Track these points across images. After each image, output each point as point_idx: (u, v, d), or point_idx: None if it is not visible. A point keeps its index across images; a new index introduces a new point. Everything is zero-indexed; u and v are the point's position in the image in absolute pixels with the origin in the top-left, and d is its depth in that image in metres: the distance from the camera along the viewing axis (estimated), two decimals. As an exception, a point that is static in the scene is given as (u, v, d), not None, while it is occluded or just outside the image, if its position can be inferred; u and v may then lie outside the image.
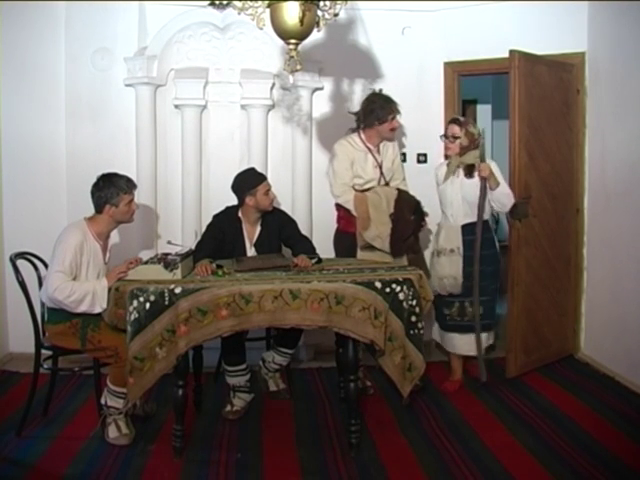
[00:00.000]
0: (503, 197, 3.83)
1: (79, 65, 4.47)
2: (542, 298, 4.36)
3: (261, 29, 3.29)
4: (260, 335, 4.14)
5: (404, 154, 4.73)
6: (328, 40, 4.49)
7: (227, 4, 4.32)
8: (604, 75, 4.33)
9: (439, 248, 3.96)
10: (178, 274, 3.27)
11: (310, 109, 4.66)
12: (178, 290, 3.03)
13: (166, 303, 3.01)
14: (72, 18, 4.45)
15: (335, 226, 4.17)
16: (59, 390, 3.84)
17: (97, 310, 3.24)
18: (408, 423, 3.52)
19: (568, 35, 4.51)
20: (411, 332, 3.26)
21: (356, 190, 3.97)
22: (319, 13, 3.23)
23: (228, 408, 3.62)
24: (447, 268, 3.88)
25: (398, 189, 3.99)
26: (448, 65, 4.85)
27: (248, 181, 3.73)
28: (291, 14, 3.08)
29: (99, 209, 3.40)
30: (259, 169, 4.47)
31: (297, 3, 3.05)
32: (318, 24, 3.26)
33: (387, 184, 4.04)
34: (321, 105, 4.72)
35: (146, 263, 3.40)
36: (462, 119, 4.01)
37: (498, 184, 3.80)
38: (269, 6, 3.15)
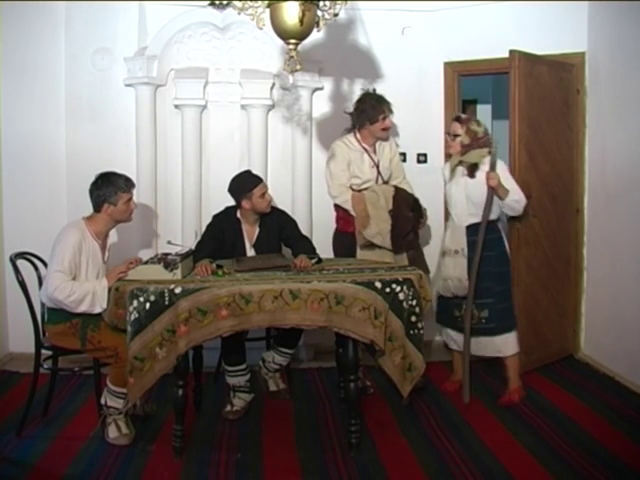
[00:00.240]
0: (513, 203, 3.74)
1: (79, 65, 4.47)
2: (542, 298, 4.36)
3: (261, 29, 3.30)
4: (260, 335, 4.14)
5: (404, 154, 4.72)
6: (328, 40, 4.49)
7: (227, 4, 4.32)
8: (604, 75, 4.33)
9: (444, 249, 3.90)
10: (178, 274, 3.27)
11: (310, 109, 4.66)
12: (178, 290, 3.03)
13: (166, 303, 3.01)
14: (72, 18, 4.46)
15: (335, 225, 4.18)
16: (59, 390, 3.84)
17: (97, 310, 3.24)
18: (408, 423, 3.52)
19: (568, 35, 4.51)
20: (411, 332, 3.26)
21: (354, 190, 3.97)
22: (319, 13, 3.23)
23: (228, 408, 3.62)
24: (451, 269, 3.81)
25: (395, 186, 4.00)
26: (448, 65, 4.85)
27: (243, 185, 3.72)
28: (291, 14, 3.08)
29: (97, 208, 3.40)
30: (259, 169, 4.49)
31: (297, 3, 3.05)
32: (318, 24, 3.26)
33: (386, 183, 4.04)
34: (321, 105, 4.72)
35: (146, 263, 3.40)
36: (464, 116, 3.92)
37: (507, 192, 3.69)
38: (269, 6, 3.16)
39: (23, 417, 3.37)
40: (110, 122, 4.52)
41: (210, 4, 4.42)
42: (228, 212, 3.83)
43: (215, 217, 3.87)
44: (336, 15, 3.30)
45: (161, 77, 4.50)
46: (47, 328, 3.40)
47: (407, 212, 3.91)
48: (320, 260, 3.64)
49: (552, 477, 2.90)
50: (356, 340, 3.16)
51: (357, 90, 4.71)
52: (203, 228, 3.95)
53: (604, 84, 4.34)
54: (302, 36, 3.19)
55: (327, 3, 3.24)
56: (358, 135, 4.02)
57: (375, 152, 4.04)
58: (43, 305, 3.41)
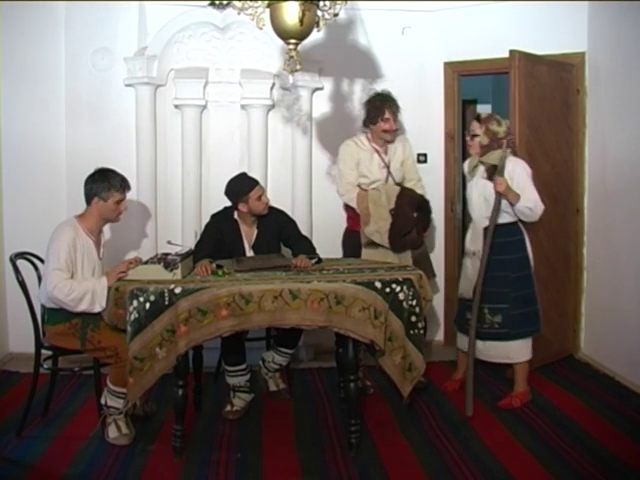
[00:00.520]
0: (525, 210, 3.60)
1: (79, 65, 4.47)
2: (542, 298, 4.33)
3: (261, 29, 3.30)
4: (260, 335, 4.14)
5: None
6: (328, 40, 4.49)
7: (227, 4, 4.32)
8: (604, 75, 4.33)
9: (465, 249, 3.86)
10: (178, 274, 3.27)
11: (310, 109, 4.66)
12: (178, 290, 3.03)
13: (166, 303, 3.01)
14: (72, 18, 4.46)
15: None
16: (59, 390, 3.84)
17: (97, 309, 3.24)
18: (408, 423, 3.52)
19: (568, 35, 4.51)
20: (411, 332, 3.26)
21: (362, 189, 3.99)
22: (319, 13, 3.24)
23: (228, 408, 3.62)
24: (469, 270, 3.75)
25: (402, 186, 4.00)
26: (448, 65, 4.85)
27: (240, 188, 3.72)
28: (291, 14, 3.08)
29: (88, 200, 3.40)
30: (259, 169, 4.50)
31: (297, 3, 3.06)
32: (318, 24, 3.26)
33: (398, 185, 4.04)
34: (321, 105, 4.72)
35: (146, 263, 3.40)
36: (484, 116, 3.75)
37: (518, 197, 3.56)
38: (269, 6, 3.16)
39: (23, 417, 3.37)
40: (110, 122, 4.52)
41: (210, 4, 4.42)
42: (226, 213, 3.83)
43: (213, 217, 3.87)
44: (336, 15, 3.30)
45: (161, 77, 4.50)
46: (47, 329, 3.39)
47: (410, 212, 3.90)
48: (320, 260, 3.64)
49: (552, 477, 2.90)
50: (356, 340, 3.16)
51: (357, 90, 4.73)
52: (203, 228, 3.95)
53: (604, 84, 4.34)
54: (302, 36, 3.19)
55: (327, 3, 3.24)
56: (369, 135, 4.04)
57: (386, 153, 4.04)
58: (43, 305, 3.41)
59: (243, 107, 4.59)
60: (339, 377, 3.81)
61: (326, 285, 3.11)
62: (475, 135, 3.71)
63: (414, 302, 3.25)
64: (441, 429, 3.43)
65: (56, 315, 3.31)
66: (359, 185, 4.01)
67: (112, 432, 3.26)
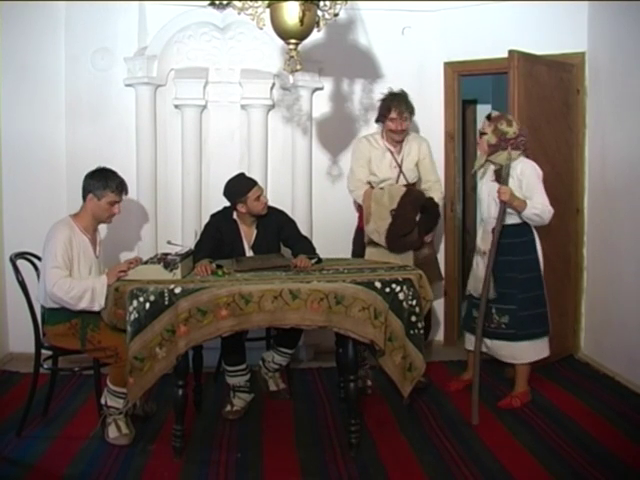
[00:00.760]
0: (533, 216, 3.56)
1: (79, 65, 4.47)
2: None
3: (261, 29, 3.30)
4: (260, 335, 4.14)
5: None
6: (328, 40, 4.49)
7: (227, 4, 4.32)
8: (604, 75, 4.33)
9: (476, 248, 3.86)
10: (178, 274, 3.27)
11: (310, 109, 4.66)
12: (178, 290, 3.03)
13: (166, 303, 3.01)
14: (72, 18, 4.46)
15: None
16: (59, 390, 3.84)
17: (96, 308, 3.23)
18: (408, 423, 3.52)
19: (568, 35, 4.51)
20: (411, 332, 3.26)
21: (372, 187, 4.02)
22: (319, 13, 3.24)
23: (228, 408, 3.62)
24: (479, 269, 3.74)
25: (408, 187, 4.00)
26: (448, 65, 4.85)
27: (237, 189, 3.72)
28: (291, 14, 3.08)
29: (84, 196, 3.41)
30: (259, 169, 4.50)
31: (297, 3, 3.05)
32: (318, 24, 3.26)
33: (411, 185, 4.04)
34: (321, 105, 4.72)
35: (146, 263, 3.40)
36: (495, 114, 3.69)
37: (524, 204, 3.52)
38: (269, 6, 3.16)
39: (23, 417, 3.37)
40: (110, 122, 4.52)
41: (210, 4, 4.42)
42: (225, 213, 3.83)
43: (212, 217, 3.87)
44: (336, 15, 3.30)
45: (161, 77, 4.50)
46: (47, 329, 3.39)
47: (411, 214, 3.90)
48: (320, 260, 3.64)
49: (552, 477, 2.90)
50: (356, 340, 3.16)
51: (357, 90, 4.74)
52: (203, 228, 3.94)
53: (604, 84, 4.34)
54: (302, 36, 3.19)
55: (327, 3, 3.24)
56: (383, 133, 4.06)
57: (400, 152, 4.04)
58: (43, 306, 3.40)
59: (243, 107, 4.59)
60: (339, 377, 3.81)
61: (326, 285, 3.11)
62: (484, 133, 3.68)
63: (414, 302, 3.25)
64: (441, 429, 3.43)
65: (56, 315, 3.30)
66: (370, 183, 4.04)
67: (112, 432, 3.26)
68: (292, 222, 3.91)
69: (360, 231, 4.20)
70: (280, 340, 3.86)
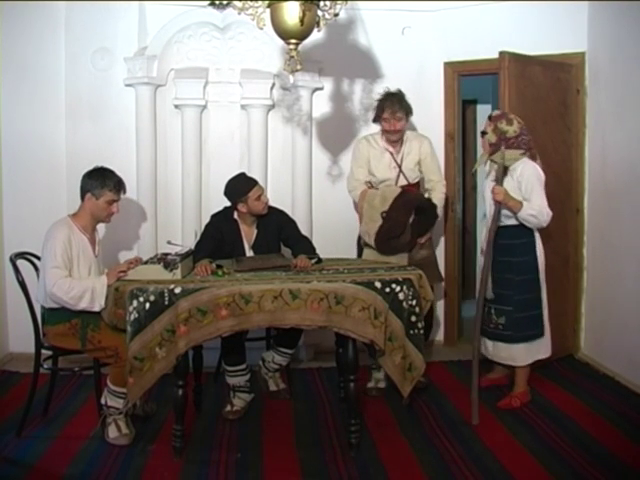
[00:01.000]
0: (529, 217, 3.52)
1: (79, 65, 4.47)
2: (542, 298, 4.35)
3: (261, 29, 3.30)
4: (260, 335, 4.14)
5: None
6: (328, 40, 4.49)
7: (227, 4, 4.32)
8: (604, 75, 4.33)
9: (481, 248, 3.85)
10: (178, 274, 3.27)
11: (310, 109, 4.66)
12: (178, 290, 3.03)
13: (166, 303, 3.01)
14: (72, 18, 4.46)
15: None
16: (59, 390, 3.83)
17: (96, 308, 3.23)
18: (408, 423, 3.52)
19: (568, 35, 4.51)
20: (411, 332, 3.26)
21: (373, 187, 4.03)
22: (319, 13, 3.24)
23: (228, 408, 3.62)
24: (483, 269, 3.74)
25: (403, 188, 3.99)
26: (448, 65, 4.85)
27: (239, 188, 3.72)
28: (291, 14, 3.09)
29: (82, 196, 3.41)
30: (259, 169, 4.50)
31: (297, 3, 3.06)
32: (318, 24, 3.26)
33: (412, 185, 4.03)
34: (321, 105, 4.72)
35: (146, 263, 3.40)
36: (496, 113, 3.69)
37: (520, 205, 3.51)
38: (269, 6, 3.16)
39: (23, 417, 3.37)
40: (110, 122, 4.52)
41: (210, 4, 4.42)
42: (226, 213, 3.83)
43: (213, 217, 3.87)
44: (336, 15, 3.30)
45: (161, 77, 4.50)
46: (47, 329, 3.38)
47: (401, 216, 3.86)
48: (320, 260, 3.64)
49: (552, 477, 2.90)
50: (356, 340, 3.16)
51: (357, 90, 4.74)
52: (203, 228, 3.95)
53: (604, 84, 4.34)
54: (302, 36, 3.20)
55: (327, 3, 3.24)
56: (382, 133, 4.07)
57: (399, 152, 4.03)
58: (43, 306, 3.40)
59: (243, 107, 4.59)
60: (339, 377, 3.81)
61: (326, 285, 3.11)
62: (485, 132, 3.68)
63: (414, 302, 3.25)
64: (441, 429, 3.43)
65: (56, 315, 3.30)
66: (371, 183, 4.03)
67: (112, 432, 3.26)
68: (292, 222, 3.91)
69: None
70: (280, 340, 3.86)
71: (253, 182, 3.77)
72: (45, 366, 3.45)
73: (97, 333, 3.27)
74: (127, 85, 4.48)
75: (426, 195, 4.11)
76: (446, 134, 4.91)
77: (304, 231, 4.05)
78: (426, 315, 3.61)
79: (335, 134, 4.71)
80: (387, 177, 4.04)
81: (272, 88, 4.57)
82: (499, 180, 3.58)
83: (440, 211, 4.11)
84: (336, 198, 4.66)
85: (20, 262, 3.43)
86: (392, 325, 3.18)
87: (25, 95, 4.50)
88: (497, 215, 3.60)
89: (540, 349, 3.77)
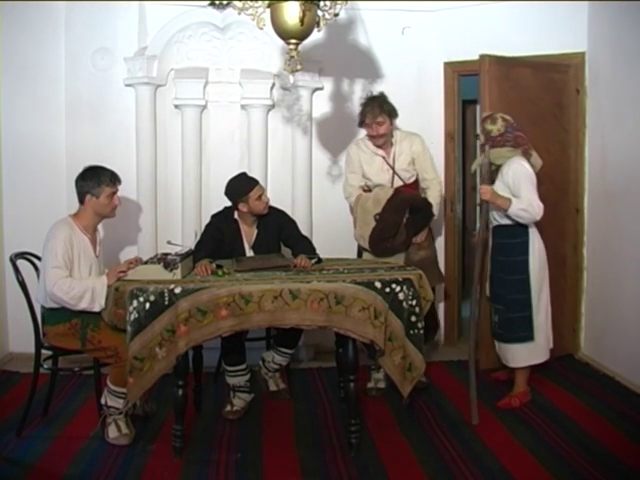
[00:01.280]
0: (520, 212, 3.50)
1: (79, 65, 4.47)
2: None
3: (261, 29, 3.30)
4: (260, 335, 4.14)
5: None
6: (328, 40, 4.50)
7: (227, 4, 4.32)
8: (604, 75, 4.33)
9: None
10: (178, 274, 3.27)
11: (310, 109, 4.66)
12: (178, 290, 3.03)
13: (166, 303, 3.01)
14: (72, 18, 4.46)
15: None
16: (59, 390, 3.84)
17: (96, 308, 3.24)
18: (408, 423, 3.52)
19: (568, 35, 4.51)
20: (411, 332, 3.25)
21: (366, 191, 4.04)
22: (319, 13, 3.23)
23: (228, 408, 3.62)
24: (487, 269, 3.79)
25: (396, 189, 3.98)
26: (448, 65, 4.85)
27: (239, 188, 3.72)
28: (291, 14, 3.08)
29: (81, 199, 3.41)
30: (259, 169, 4.50)
31: (297, 3, 3.06)
32: (318, 24, 3.26)
33: (409, 186, 4.03)
34: (321, 105, 4.72)
35: (146, 263, 3.40)
36: (484, 115, 3.73)
37: (509, 202, 3.49)
38: (269, 6, 3.16)
39: (23, 417, 3.37)
40: (110, 122, 4.52)
41: (210, 4, 4.42)
42: (226, 213, 3.83)
43: (213, 217, 3.87)
44: (336, 15, 3.30)
45: (161, 77, 4.50)
46: (47, 329, 3.38)
47: (393, 216, 3.86)
48: (320, 260, 3.64)
49: (552, 477, 2.90)
50: (356, 340, 3.16)
51: (357, 90, 4.74)
52: (203, 228, 3.95)
53: (604, 84, 4.34)
54: (302, 36, 3.19)
55: (327, 3, 3.24)
56: None
57: (390, 154, 4.02)
58: (42, 306, 3.40)
59: (243, 107, 4.59)
60: (339, 377, 3.81)
61: (326, 285, 3.11)
62: (477, 135, 3.75)
63: (414, 302, 3.25)
64: (441, 429, 3.43)
65: (56, 315, 3.30)
66: (368, 187, 4.03)
67: (112, 432, 3.26)
68: (292, 222, 3.91)
69: None
70: (280, 340, 3.86)
71: (254, 182, 3.77)
72: (45, 366, 3.45)
73: (97, 333, 3.27)
74: (127, 85, 4.48)
75: (423, 195, 4.10)
76: (446, 134, 4.91)
77: (304, 231, 4.05)
78: (429, 316, 3.66)
79: (335, 134, 4.71)
80: (381, 180, 4.01)
81: (272, 88, 4.57)
82: (485, 179, 3.60)
83: (437, 209, 4.10)
84: (336, 198, 4.65)
85: (20, 262, 3.43)
86: (392, 325, 3.18)
87: (25, 95, 4.50)
88: (486, 214, 3.61)
89: (536, 353, 3.74)
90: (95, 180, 3.38)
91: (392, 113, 3.95)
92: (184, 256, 3.45)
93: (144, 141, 4.48)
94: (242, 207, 3.72)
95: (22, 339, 4.22)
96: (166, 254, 3.50)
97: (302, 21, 3.08)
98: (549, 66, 4.42)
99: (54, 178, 4.51)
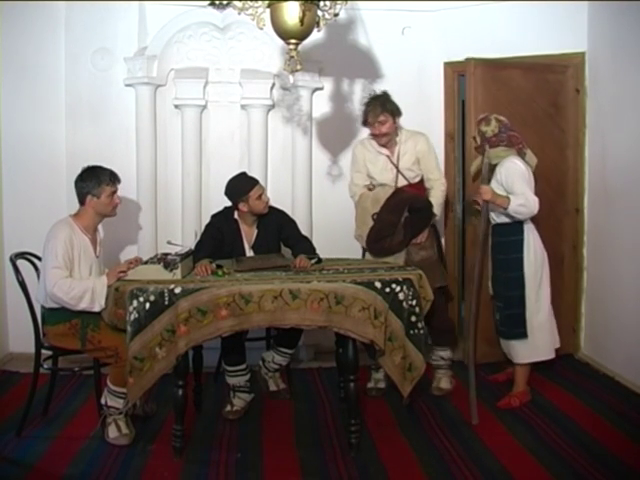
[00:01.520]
0: (519, 208, 3.53)
1: (79, 65, 4.47)
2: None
3: (261, 29, 3.30)
4: (260, 335, 4.14)
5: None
6: (328, 40, 4.49)
7: (227, 4, 4.32)
8: (604, 75, 4.33)
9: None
10: (178, 274, 3.27)
11: (310, 109, 4.66)
12: (178, 290, 3.03)
13: (166, 303, 3.01)
14: (72, 18, 4.45)
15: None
16: (59, 390, 3.84)
17: (96, 308, 3.24)
18: (408, 423, 3.52)
19: (568, 35, 4.51)
20: (411, 332, 3.26)
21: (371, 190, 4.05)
22: (319, 13, 3.23)
23: (228, 408, 3.62)
24: (489, 268, 3.81)
25: (397, 189, 3.98)
26: (448, 65, 4.85)
27: (240, 188, 3.72)
28: (291, 14, 3.08)
29: (81, 200, 3.41)
30: (259, 169, 4.50)
31: (297, 3, 3.05)
32: (318, 24, 3.26)
33: (413, 185, 4.03)
34: (321, 105, 4.72)
35: (146, 263, 3.41)
36: (480, 116, 3.76)
37: (508, 200, 3.52)
38: (269, 6, 3.15)
39: (23, 417, 3.37)
40: (110, 122, 4.52)
41: (210, 4, 4.42)
42: (226, 213, 3.83)
43: (213, 217, 3.87)
44: (336, 15, 3.29)
45: (161, 77, 4.50)
46: (47, 329, 3.39)
47: (393, 216, 3.86)
48: (320, 260, 3.64)
49: (552, 477, 2.90)
50: (356, 340, 3.16)
51: (357, 90, 4.74)
52: (203, 228, 3.95)
53: (604, 84, 4.34)
54: (302, 36, 3.19)
55: (327, 3, 3.24)
56: None
57: (394, 153, 4.01)
58: (42, 306, 3.40)
59: (243, 107, 4.59)
60: (339, 377, 3.81)
61: (326, 285, 3.11)
62: (474, 137, 3.79)
63: (414, 302, 3.25)
64: (441, 429, 3.43)
65: (56, 315, 3.30)
66: (373, 185, 4.04)
67: (112, 432, 3.26)
68: (292, 222, 3.91)
69: None
70: (280, 340, 3.86)
71: (254, 181, 3.77)
72: (45, 366, 3.45)
73: (97, 333, 3.27)
74: (127, 85, 4.48)
75: (427, 195, 4.10)
76: (446, 134, 4.91)
77: (304, 231, 4.05)
78: (446, 332, 3.85)
79: (335, 134, 4.71)
80: (385, 179, 4.01)
81: (272, 88, 4.57)
82: (484, 180, 3.63)
83: (439, 210, 4.09)
84: (336, 198, 4.66)
85: (20, 262, 3.43)
86: (392, 325, 3.18)
87: (25, 95, 4.50)
88: (486, 215, 3.64)
89: (537, 350, 3.74)
90: (95, 180, 3.38)
91: (395, 112, 3.94)
92: (184, 256, 3.45)
93: (144, 141, 4.48)
94: (242, 207, 3.72)
95: (22, 339, 4.21)
96: (166, 254, 3.50)
97: (302, 21, 3.07)
98: (543, 67, 4.42)
99: (54, 178, 4.51)
